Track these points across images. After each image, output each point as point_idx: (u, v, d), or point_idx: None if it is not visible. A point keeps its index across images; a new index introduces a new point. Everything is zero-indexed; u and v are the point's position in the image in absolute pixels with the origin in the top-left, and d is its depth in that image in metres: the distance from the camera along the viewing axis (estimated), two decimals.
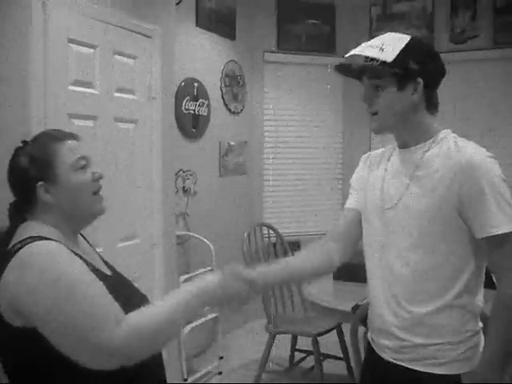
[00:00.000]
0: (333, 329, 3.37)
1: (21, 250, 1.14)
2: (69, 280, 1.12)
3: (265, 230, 3.96)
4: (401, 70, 1.39)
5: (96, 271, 1.23)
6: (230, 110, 4.32)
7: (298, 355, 3.72)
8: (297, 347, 3.73)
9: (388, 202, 1.48)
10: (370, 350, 1.58)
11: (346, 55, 1.50)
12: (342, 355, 3.43)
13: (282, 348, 3.71)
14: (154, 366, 1.31)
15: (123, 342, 1.11)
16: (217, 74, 4.16)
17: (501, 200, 1.36)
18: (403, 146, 1.51)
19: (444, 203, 1.38)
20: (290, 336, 3.66)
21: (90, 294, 1.13)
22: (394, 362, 1.47)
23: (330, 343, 3.49)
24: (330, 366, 3.48)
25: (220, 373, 3.68)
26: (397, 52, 1.39)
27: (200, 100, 3.88)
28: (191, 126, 3.81)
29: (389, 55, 1.39)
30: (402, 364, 1.45)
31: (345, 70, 1.54)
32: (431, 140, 1.46)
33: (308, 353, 3.61)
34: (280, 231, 4.05)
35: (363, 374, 1.64)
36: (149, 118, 2.96)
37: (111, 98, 2.67)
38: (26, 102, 2.17)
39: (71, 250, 1.20)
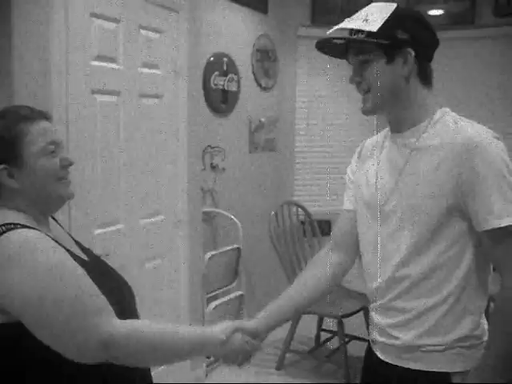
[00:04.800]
0: (359, 311, 3.32)
1: None
2: (55, 267, 1.07)
3: (294, 209, 3.91)
4: (388, 40, 1.27)
5: (74, 257, 1.16)
6: (260, 86, 4.24)
7: (324, 335, 3.70)
8: (323, 327, 3.70)
9: (382, 197, 1.35)
10: (368, 346, 1.51)
11: (328, 31, 1.35)
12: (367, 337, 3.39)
13: (309, 328, 3.70)
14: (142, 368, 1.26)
15: (121, 336, 1.08)
16: (247, 48, 4.07)
17: (504, 187, 1.20)
18: (396, 129, 1.38)
19: (443, 192, 1.24)
20: (317, 316, 3.63)
21: (80, 280, 1.09)
22: (385, 359, 1.39)
23: (356, 325, 3.45)
24: (355, 348, 3.44)
25: None
26: (382, 21, 1.27)
27: (229, 75, 3.81)
28: (220, 101, 3.74)
29: (374, 25, 1.26)
30: (391, 362, 1.37)
31: (327, 47, 1.39)
32: (426, 121, 1.32)
33: (334, 333, 3.58)
34: (311, 210, 3.99)
35: (363, 372, 1.55)
36: (174, 93, 2.93)
37: (135, 73, 2.64)
38: (48, 78, 2.16)
39: (49, 236, 1.13)
